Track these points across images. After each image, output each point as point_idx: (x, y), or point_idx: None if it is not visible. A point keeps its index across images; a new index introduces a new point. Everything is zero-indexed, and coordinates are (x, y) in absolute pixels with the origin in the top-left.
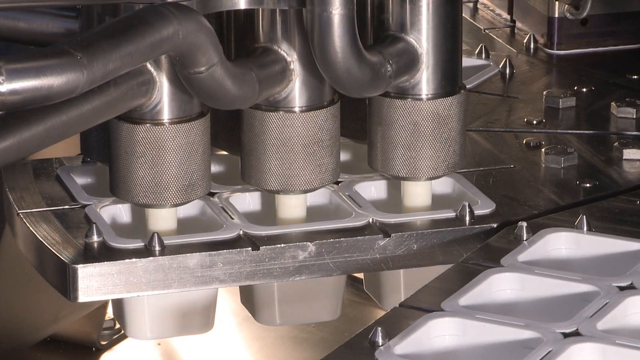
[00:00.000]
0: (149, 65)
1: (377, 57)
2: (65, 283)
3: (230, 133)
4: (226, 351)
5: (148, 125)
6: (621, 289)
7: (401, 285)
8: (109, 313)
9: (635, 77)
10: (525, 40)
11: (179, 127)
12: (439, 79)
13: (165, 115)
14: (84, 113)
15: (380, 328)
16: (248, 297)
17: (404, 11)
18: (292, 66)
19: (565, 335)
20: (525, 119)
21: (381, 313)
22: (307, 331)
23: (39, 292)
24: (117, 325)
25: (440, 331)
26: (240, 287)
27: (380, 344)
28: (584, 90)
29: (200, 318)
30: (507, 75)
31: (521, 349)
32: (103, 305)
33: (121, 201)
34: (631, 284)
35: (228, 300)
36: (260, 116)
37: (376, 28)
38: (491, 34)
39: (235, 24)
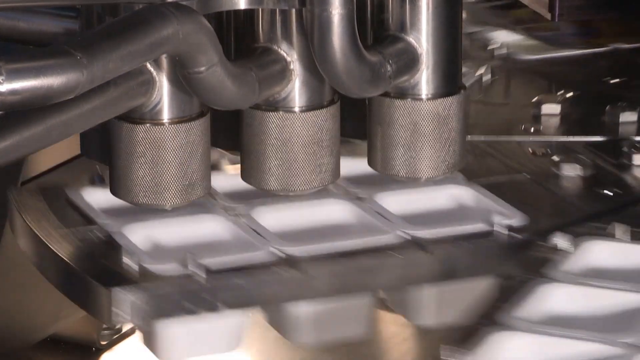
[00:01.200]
0: (149, 65)
1: (377, 57)
2: (103, 308)
3: (231, 133)
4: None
5: (148, 125)
6: None
7: (434, 300)
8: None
9: (618, 80)
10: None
11: (179, 127)
12: (439, 79)
13: (165, 115)
14: (84, 113)
15: (448, 346)
16: (277, 317)
17: (403, 11)
18: (292, 66)
19: (634, 346)
20: (523, 127)
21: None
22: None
23: (39, 292)
24: (117, 325)
25: (507, 346)
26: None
27: None
28: (570, 94)
29: (230, 338)
30: (489, 82)
31: None
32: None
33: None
34: None
35: None
36: (260, 116)
37: (376, 28)
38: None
39: (235, 24)
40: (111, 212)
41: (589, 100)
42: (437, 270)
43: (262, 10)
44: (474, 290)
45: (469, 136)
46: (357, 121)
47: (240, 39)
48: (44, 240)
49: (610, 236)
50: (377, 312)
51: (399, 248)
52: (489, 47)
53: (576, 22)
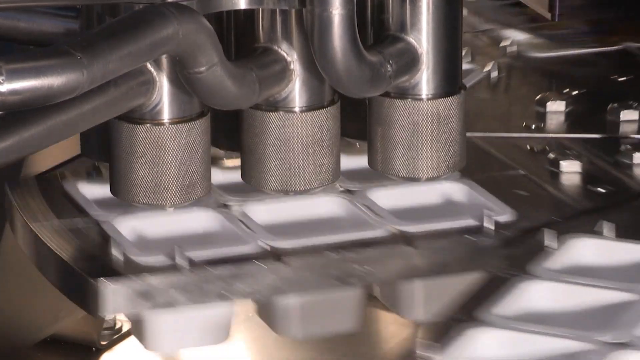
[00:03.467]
0: (149, 65)
1: (377, 57)
2: (89, 299)
3: (230, 133)
4: (226, 351)
5: (148, 125)
6: None
7: (417, 294)
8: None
9: (624, 78)
10: (501, 44)
11: (179, 127)
12: (439, 79)
13: (166, 115)
14: (84, 113)
15: (425, 341)
16: (267, 310)
17: (404, 11)
18: (292, 66)
19: (610, 344)
20: (524, 124)
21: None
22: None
23: (39, 292)
24: (117, 325)
25: (482, 342)
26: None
27: (429, 357)
28: (576, 92)
29: (218, 330)
30: (496, 79)
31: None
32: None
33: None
34: None
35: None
36: (260, 116)
37: (376, 28)
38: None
39: (235, 24)
40: (104, 203)
41: (595, 98)
42: (422, 265)
43: (262, 10)
44: (455, 286)
45: (468, 133)
46: (358, 121)
47: (240, 39)
48: (35, 232)
49: (597, 234)
50: (360, 306)
51: (386, 242)
52: (501, 45)
53: (587, 20)
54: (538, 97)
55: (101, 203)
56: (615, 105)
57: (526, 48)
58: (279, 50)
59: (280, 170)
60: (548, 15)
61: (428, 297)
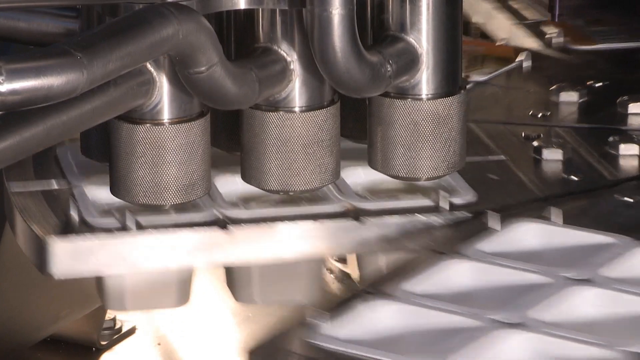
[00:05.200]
0: (149, 65)
1: (377, 57)
2: (42, 258)
3: (230, 133)
4: (226, 351)
5: (148, 125)
6: (573, 280)
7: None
8: (109, 313)
9: None
10: (547, 35)
11: (179, 127)
12: (439, 79)
13: (165, 115)
14: (84, 113)
15: (321, 310)
16: (230, 278)
17: (403, 11)
18: (292, 66)
19: (503, 323)
20: (531, 112)
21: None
22: None
23: (39, 292)
24: (117, 325)
25: (382, 315)
26: (225, 268)
27: (318, 325)
28: (596, 85)
29: (176, 292)
30: (526, 69)
31: (455, 335)
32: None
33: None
34: (584, 277)
35: (227, 301)
36: (260, 116)
37: (376, 28)
38: (518, 27)
39: (235, 24)
40: (87, 171)
41: (616, 91)
42: (362, 240)
43: (262, 10)
44: (381, 262)
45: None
46: (357, 121)
47: (240, 39)
48: (9, 190)
49: (545, 219)
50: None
51: (336, 216)
52: (547, 36)
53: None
54: (553, 87)
55: (85, 170)
56: (625, 97)
57: (572, 40)
58: (279, 50)
59: (280, 170)
60: (548, 16)
61: (343, 272)
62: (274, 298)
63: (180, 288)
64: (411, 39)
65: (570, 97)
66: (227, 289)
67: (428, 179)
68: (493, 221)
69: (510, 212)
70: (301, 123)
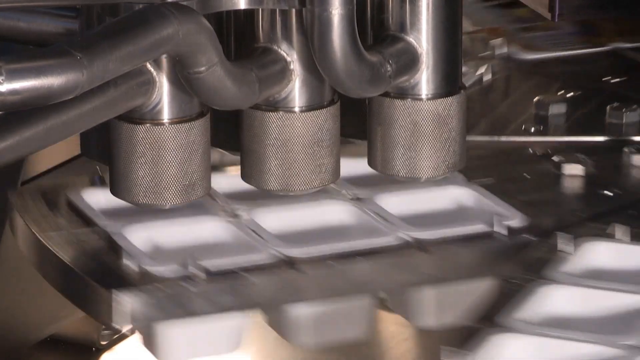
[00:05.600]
0: (149, 65)
1: (377, 57)
2: (104, 310)
3: (230, 133)
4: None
5: (148, 125)
6: None
7: (434, 301)
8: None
9: (618, 79)
10: (494, 45)
11: (179, 127)
12: (439, 79)
13: (165, 115)
14: (84, 113)
15: (450, 348)
16: (277, 318)
17: (403, 11)
18: (292, 66)
19: (633, 347)
20: (523, 127)
21: (391, 323)
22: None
23: (39, 292)
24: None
25: (508, 348)
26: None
27: None
28: (571, 94)
29: (230, 339)
30: (490, 82)
31: None
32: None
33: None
34: None
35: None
36: (260, 116)
37: (376, 28)
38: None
39: (235, 24)
40: (111, 213)
41: (591, 100)
42: (437, 271)
43: (262, 10)
44: (473, 292)
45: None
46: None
47: (240, 39)
48: (44, 242)
49: (610, 237)
50: (377, 314)
51: (399, 249)
52: (490, 47)
53: (576, 21)
54: (536, 99)
55: (108, 212)
56: (615, 105)
57: (516, 50)
58: (279, 50)
59: (280, 170)
60: (548, 16)
61: (442, 304)
62: (335, 339)
63: (235, 335)
64: (411, 39)
65: (559, 109)
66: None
67: (428, 179)
68: (565, 243)
69: (570, 232)
70: (301, 123)
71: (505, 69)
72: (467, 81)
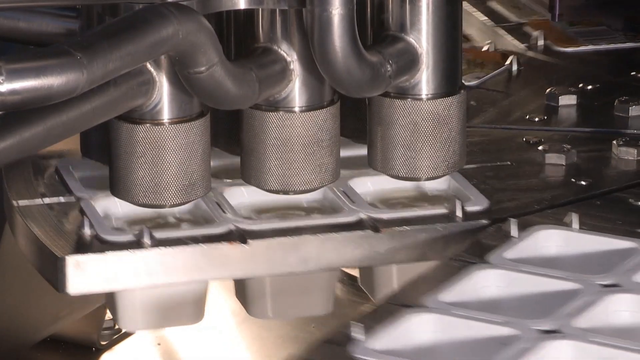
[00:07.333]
0: (149, 65)
1: (377, 57)
2: (57, 276)
3: (230, 133)
4: (226, 351)
5: (148, 125)
6: (605, 287)
7: (393, 281)
8: (109, 313)
9: None
10: (532, 37)
11: (179, 127)
12: (439, 79)
13: (165, 115)
14: (84, 113)
15: (358, 323)
16: (241, 291)
17: (403, 11)
18: (292, 66)
19: (543, 332)
20: (527, 116)
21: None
22: (307, 331)
23: (39, 292)
24: (117, 325)
25: (419, 327)
26: (234, 280)
27: (358, 339)
28: (589, 87)
29: (191, 309)
30: (514, 73)
31: (497, 345)
32: (103, 305)
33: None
34: (615, 282)
35: (228, 301)
36: (260, 116)
37: (376, 28)
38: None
39: (235, 24)
40: (91, 184)
41: (607, 93)
42: (384, 250)
43: (262, 10)
44: (410, 272)
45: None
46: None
47: (240, 39)
48: (16, 209)
49: (564, 225)
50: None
51: (354, 227)
52: (531, 39)
53: (618, 19)
54: (548, 90)
55: (88, 183)
56: (623, 99)
57: (553, 42)
58: (279, 50)
59: (280, 170)
60: (548, 16)
61: (376, 283)
62: (288, 312)
63: (196, 305)
64: (411, 39)
65: (569, 100)
66: (237, 302)
67: (428, 179)
68: (512, 228)
69: (526, 219)
70: (301, 123)
71: (535, 61)
72: (493, 71)
